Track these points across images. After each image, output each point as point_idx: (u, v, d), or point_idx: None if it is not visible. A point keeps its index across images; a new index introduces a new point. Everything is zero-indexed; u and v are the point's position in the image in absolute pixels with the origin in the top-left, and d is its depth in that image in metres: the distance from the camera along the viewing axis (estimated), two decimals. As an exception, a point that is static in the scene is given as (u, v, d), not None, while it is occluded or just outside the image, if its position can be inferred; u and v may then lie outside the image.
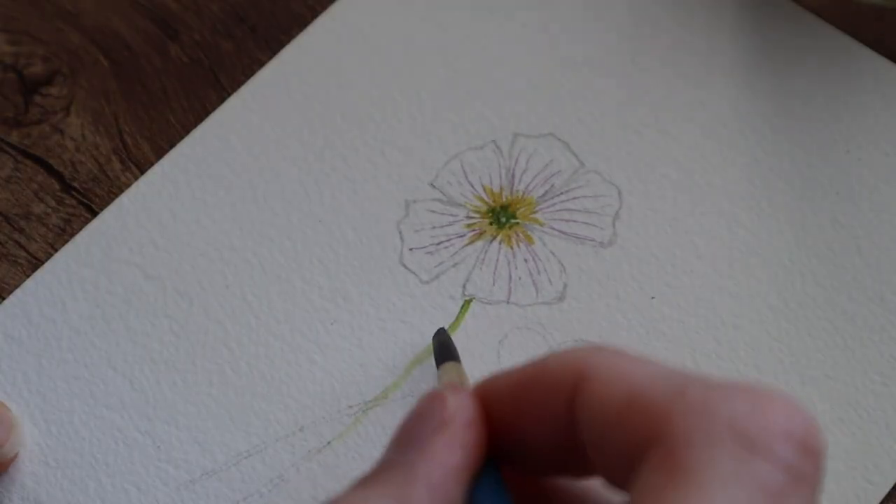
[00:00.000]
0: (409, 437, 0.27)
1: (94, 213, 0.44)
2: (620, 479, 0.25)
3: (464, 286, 0.42)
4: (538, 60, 0.46)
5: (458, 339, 0.41)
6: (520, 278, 0.42)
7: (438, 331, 0.40)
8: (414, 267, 0.42)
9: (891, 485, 0.38)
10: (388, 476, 0.27)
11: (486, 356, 0.41)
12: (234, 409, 0.40)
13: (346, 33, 0.47)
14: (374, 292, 0.42)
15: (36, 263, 0.43)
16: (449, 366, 0.36)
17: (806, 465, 0.24)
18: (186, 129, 0.45)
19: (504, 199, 0.43)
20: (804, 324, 0.41)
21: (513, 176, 0.44)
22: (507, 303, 0.41)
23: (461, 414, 0.27)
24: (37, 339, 0.41)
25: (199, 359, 0.41)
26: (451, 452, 0.27)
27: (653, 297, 0.41)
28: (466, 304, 0.41)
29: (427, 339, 0.41)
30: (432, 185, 0.44)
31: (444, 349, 0.38)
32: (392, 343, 0.41)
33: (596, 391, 0.26)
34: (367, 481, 0.27)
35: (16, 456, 0.40)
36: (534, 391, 0.27)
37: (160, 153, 0.45)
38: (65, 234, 0.44)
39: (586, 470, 0.27)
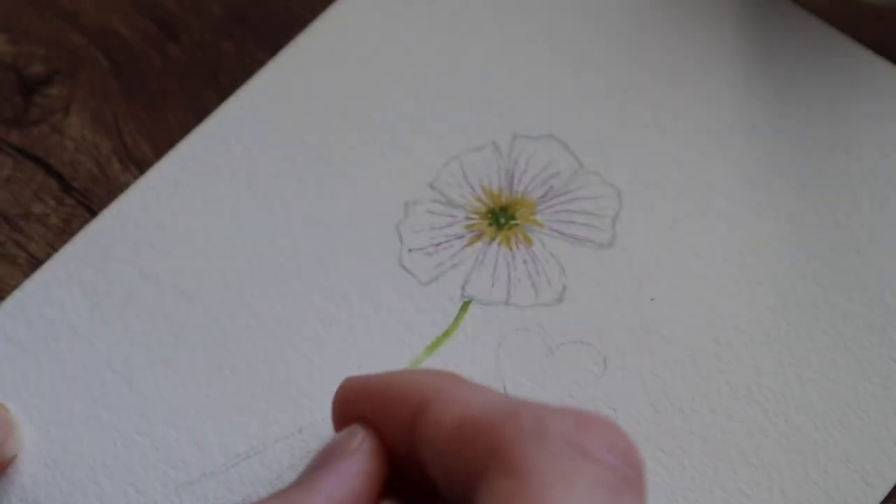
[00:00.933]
0: (320, 463, 0.29)
1: (94, 214, 0.44)
2: (462, 497, 0.27)
3: (463, 287, 0.42)
4: (538, 61, 0.46)
5: (456, 340, 0.41)
6: (519, 280, 0.42)
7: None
8: (413, 268, 0.42)
9: (890, 487, 0.38)
10: (293, 491, 0.29)
11: (484, 358, 0.41)
12: (232, 410, 0.40)
13: (346, 33, 0.47)
14: (372, 293, 0.42)
15: (35, 263, 0.43)
16: None
17: (631, 473, 0.26)
18: (186, 129, 0.45)
19: (503, 201, 0.43)
20: (804, 325, 0.41)
21: (512, 177, 0.44)
22: (506, 304, 0.41)
23: (367, 445, 0.29)
24: (35, 340, 0.41)
25: (198, 359, 0.41)
26: (354, 476, 0.29)
27: (652, 299, 0.41)
28: (465, 305, 0.41)
29: (426, 341, 0.41)
30: (431, 186, 0.44)
31: None
32: (391, 344, 0.41)
33: (434, 416, 0.28)
34: (276, 495, 0.29)
35: (14, 457, 0.40)
36: (381, 411, 0.30)
37: (160, 153, 0.45)
38: (64, 234, 0.44)
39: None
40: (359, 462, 0.29)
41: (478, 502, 0.26)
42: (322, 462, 0.30)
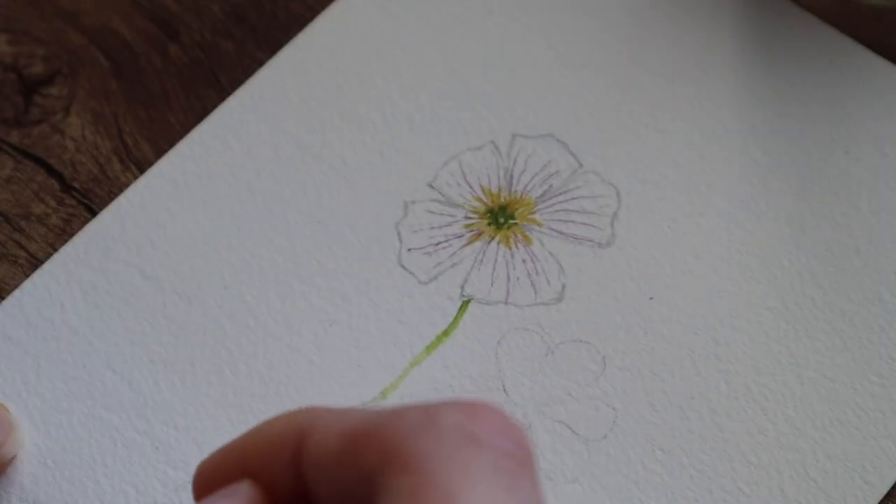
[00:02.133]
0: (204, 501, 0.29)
1: (94, 213, 0.44)
2: None
3: (462, 287, 0.42)
4: (537, 61, 0.46)
5: (455, 340, 0.41)
6: (518, 279, 0.42)
7: None
8: (412, 267, 0.42)
9: (889, 486, 0.38)
10: None
11: (484, 357, 0.41)
12: (232, 409, 0.40)
13: (346, 33, 0.47)
14: (372, 293, 0.42)
15: (36, 263, 0.43)
16: None
17: (523, 455, 0.26)
18: (186, 129, 0.45)
19: (502, 200, 0.43)
20: (803, 324, 0.41)
21: (511, 176, 0.44)
22: (506, 303, 0.41)
23: (253, 490, 0.29)
24: (35, 340, 0.41)
25: (198, 359, 0.41)
26: None
27: (651, 298, 0.41)
28: (465, 304, 0.42)
29: (425, 340, 0.41)
30: (431, 186, 0.44)
31: None
32: (390, 344, 0.41)
33: (317, 441, 0.27)
34: None
35: (14, 457, 0.40)
36: (255, 463, 0.29)
37: (160, 153, 0.45)
38: (65, 234, 0.44)
39: None
40: (241, 501, 0.29)
41: (380, 502, 0.26)
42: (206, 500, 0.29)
